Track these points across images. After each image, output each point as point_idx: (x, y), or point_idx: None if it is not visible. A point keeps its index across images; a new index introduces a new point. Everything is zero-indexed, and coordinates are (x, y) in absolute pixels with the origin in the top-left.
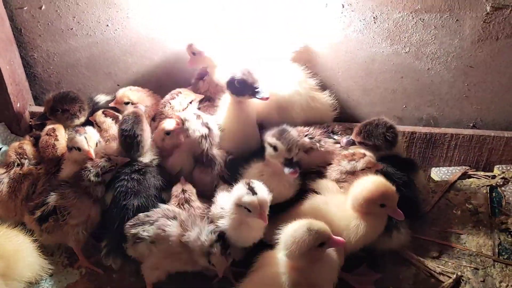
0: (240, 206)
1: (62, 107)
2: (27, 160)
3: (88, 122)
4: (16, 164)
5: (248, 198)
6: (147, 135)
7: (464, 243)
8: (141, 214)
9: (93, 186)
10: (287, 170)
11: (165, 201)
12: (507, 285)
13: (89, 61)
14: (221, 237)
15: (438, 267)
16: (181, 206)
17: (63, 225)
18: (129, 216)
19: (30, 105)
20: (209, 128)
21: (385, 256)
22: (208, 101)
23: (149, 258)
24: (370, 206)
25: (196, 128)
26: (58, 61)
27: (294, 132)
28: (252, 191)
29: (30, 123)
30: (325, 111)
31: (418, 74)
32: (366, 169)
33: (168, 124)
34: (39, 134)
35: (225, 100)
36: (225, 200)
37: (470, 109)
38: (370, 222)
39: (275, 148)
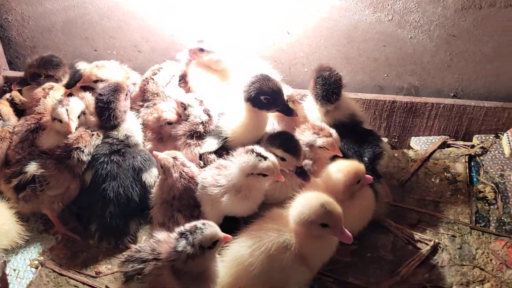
0: (253, 174)
1: (46, 73)
2: (1, 121)
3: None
4: None
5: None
6: (122, 105)
7: (442, 211)
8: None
9: (81, 164)
10: (301, 179)
11: (145, 183)
12: (483, 252)
13: (65, 25)
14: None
15: (416, 234)
16: (182, 174)
17: (41, 195)
18: (110, 200)
19: (4, 69)
20: (209, 116)
21: None
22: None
23: None
24: (350, 188)
25: (198, 115)
26: (33, 24)
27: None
28: (262, 156)
29: (4, 87)
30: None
31: (400, 43)
32: (324, 149)
33: (170, 115)
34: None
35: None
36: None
37: (452, 78)
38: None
39: (283, 159)
